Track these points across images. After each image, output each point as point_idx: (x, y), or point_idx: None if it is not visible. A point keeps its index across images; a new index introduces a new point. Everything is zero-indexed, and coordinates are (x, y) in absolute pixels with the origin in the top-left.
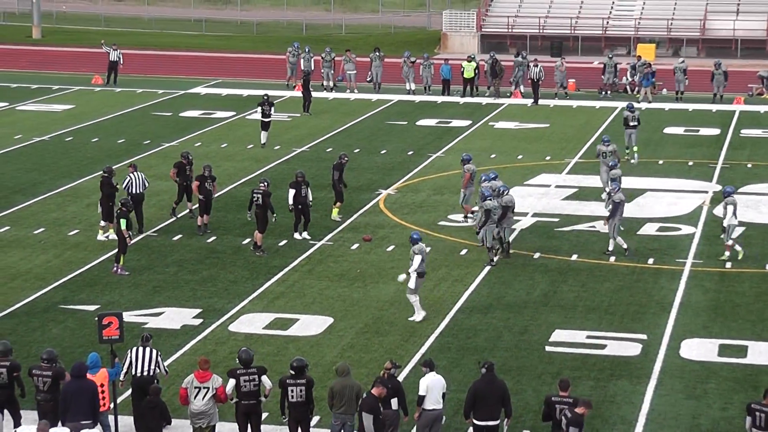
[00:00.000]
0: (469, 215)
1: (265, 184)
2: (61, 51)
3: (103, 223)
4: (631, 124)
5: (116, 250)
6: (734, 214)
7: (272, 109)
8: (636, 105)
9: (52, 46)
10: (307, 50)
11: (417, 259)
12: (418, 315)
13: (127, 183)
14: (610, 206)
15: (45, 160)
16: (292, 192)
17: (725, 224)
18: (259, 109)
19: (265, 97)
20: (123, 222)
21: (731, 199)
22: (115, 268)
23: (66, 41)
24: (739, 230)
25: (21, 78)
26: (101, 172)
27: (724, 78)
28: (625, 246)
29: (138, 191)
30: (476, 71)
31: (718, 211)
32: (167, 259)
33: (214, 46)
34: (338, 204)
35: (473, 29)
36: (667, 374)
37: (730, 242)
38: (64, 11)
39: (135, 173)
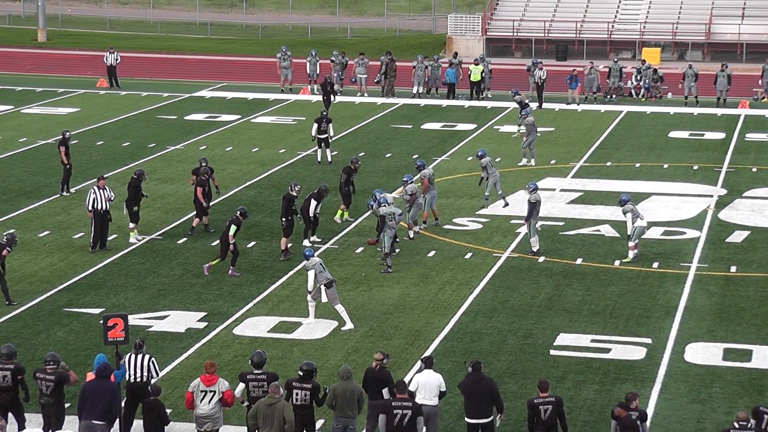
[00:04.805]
0: (428, 223)
1: (290, 187)
2: (66, 54)
3: (132, 225)
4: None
5: (120, 253)
6: (639, 216)
7: (330, 125)
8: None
9: (58, 50)
10: (313, 53)
11: (310, 275)
12: (311, 317)
13: (92, 199)
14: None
15: (50, 163)
16: (314, 203)
17: (633, 228)
18: (315, 125)
19: (323, 113)
20: (233, 228)
21: (628, 207)
22: (230, 271)
23: (71, 44)
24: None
25: (26, 81)
26: (132, 174)
27: (728, 81)
28: (535, 248)
29: (101, 207)
30: (482, 74)
31: (723, 215)
32: (172, 262)
33: (220, 49)
34: (342, 207)
35: (478, 33)
36: (671, 378)
37: (633, 243)
38: (69, 14)
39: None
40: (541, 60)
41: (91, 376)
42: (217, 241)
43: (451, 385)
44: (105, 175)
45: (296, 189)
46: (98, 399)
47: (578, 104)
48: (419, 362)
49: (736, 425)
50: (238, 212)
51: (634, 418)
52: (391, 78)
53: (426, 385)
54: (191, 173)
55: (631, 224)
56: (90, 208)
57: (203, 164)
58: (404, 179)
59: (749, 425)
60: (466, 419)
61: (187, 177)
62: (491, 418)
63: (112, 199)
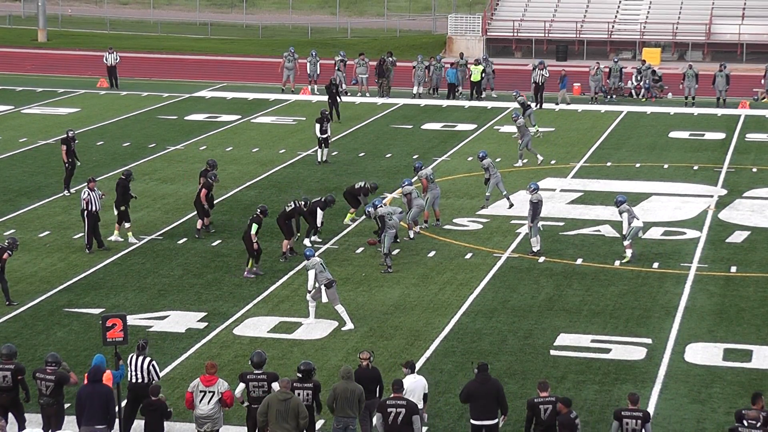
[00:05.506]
0: (428, 223)
1: (302, 202)
2: (66, 54)
3: (127, 224)
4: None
5: (121, 253)
6: (635, 216)
7: (328, 125)
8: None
9: (58, 50)
10: (313, 54)
11: (310, 275)
12: (311, 318)
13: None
14: (530, 208)
15: (50, 163)
16: (320, 213)
17: (630, 228)
18: (317, 125)
19: (324, 112)
20: (254, 227)
21: (624, 207)
22: (245, 272)
23: (71, 44)
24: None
25: (26, 81)
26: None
27: (726, 81)
28: (535, 249)
29: (95, 209)
30: (482, 75)
31: (723, 215)
32: (172, 262)
33: (220, 49)
34: (352, 210)
35: (478, 33)
36: (671, 378)
37: (628, 242)
38: (69, 14)
39: (93, 191)
40: (543, 61)
41: None
42: (218, 242)
43: (450, 385)
44: (105, 175)
45: (290, 204)
46: (94, 403)
47: (568, 103)
48: (404, 368)
49: (745, 423)
50: (259, 210)
51: (572, 417)
52: (387, 77)
53: (414, 391)
54: (199, 175)
55: (627, 224)
56: (92, 209)
57: (210, 168)
58: (403, 183)
59: (758, 424)
60: (471, 421)
61: (187, 177)
62: (496, 420)
63: (103, 197)
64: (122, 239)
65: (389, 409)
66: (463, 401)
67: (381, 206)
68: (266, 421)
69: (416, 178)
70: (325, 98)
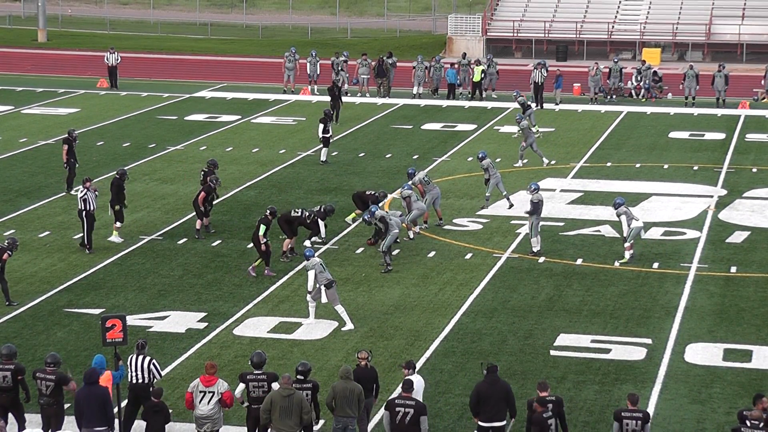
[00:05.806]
0: (428, 223)
1: (307, 213)
2: (66, 54)
3: (118, 224)
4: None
5: (121, 253)
6: (634, 218)
7: (331, 125)
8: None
9: (58, 50)
10: (313, 54)
11: (310, 275)
12: (311, 318)
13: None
14: (530, 207)
15: (50, 164)
16: (322, 223)
17: (630, 229)
18: (321, 125)
19: (328, 112)
20: (262, 228)
21: (622, 209)
22: (251, 267)
23: (71, 44)
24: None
25: (26, 81)
26: (114, 173)
27: (725, 81)
28: (535, 249)
29: (92, 208)
30: (483, 75)
31: (723, 215)
32: (172, 262)
33: (220, 49)
34: (357, 211)
35: (479, 33)
36: (671, 378)
37: (629, 243)
38: (69, 15)
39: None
40: (545, 61)
41: None
42: (218, 242)
43: (450, 385)
44: (105, 176)
45: (297, 210)
46: (92, 406)
47: (560, 103)
48: (404, 369)
49: (748, 423)
50: (268, 211)
51: (545, 417)
52: (387, 77)
53: (417, 392)
54: (203, 176)
55: (626, 226)
56: (90, 209)
57: (212, 168)
58: (404, 186)
59: (761, 424)
60: (479, 422)
61: (187, 177)
62: (504, 422)
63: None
64: (122, 240)
65: (397, 409)
66: (474, 405)
67: (377, 210)
68: (270, 418)
69: (411, 183)
70: (327, 99)
